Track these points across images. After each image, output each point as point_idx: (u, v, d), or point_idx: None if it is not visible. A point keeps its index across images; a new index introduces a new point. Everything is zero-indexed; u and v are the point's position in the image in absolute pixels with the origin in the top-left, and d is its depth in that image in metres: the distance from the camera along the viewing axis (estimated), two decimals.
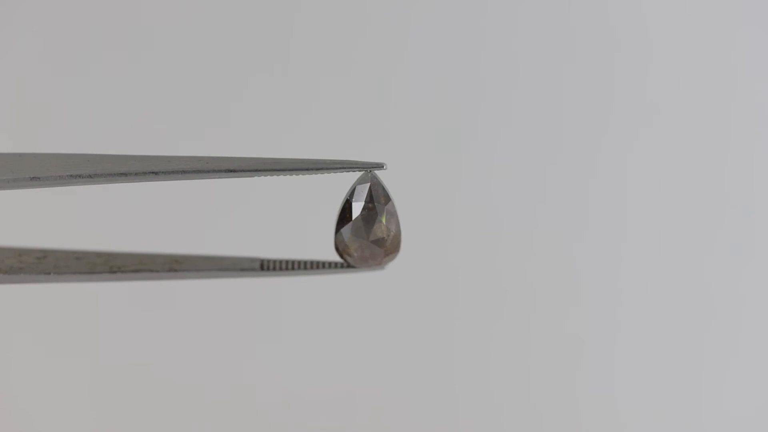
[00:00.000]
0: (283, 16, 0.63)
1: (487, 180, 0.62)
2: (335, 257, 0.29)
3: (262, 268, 0.30)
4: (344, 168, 0.31)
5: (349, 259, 0.27)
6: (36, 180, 0.25)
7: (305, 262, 0.30)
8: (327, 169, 0.31)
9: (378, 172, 0.30)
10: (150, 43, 0.62)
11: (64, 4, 0.61)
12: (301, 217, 0.59)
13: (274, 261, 0.30)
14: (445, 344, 0.62)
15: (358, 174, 0.30)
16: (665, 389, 0.62)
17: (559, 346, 0.62)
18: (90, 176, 0.25)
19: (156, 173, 0.26)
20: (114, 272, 0.29)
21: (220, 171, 0.28)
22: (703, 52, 0.63)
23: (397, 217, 0.28)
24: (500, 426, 0.62)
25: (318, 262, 0.30)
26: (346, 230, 0.27)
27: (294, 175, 0.31)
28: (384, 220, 0.27)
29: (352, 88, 0.62)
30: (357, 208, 0.27)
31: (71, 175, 0.26)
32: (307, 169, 0.31)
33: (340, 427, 0.61)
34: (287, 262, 0.30)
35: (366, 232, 0.27)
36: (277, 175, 0.30)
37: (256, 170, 0.29)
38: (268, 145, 0.60)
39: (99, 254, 0.30)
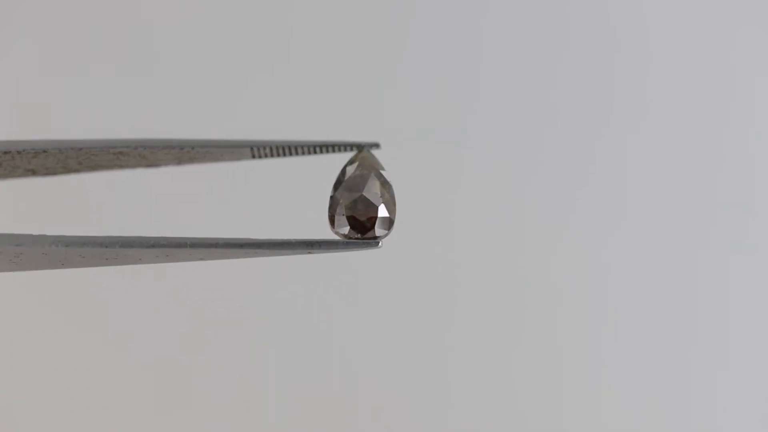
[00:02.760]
0: (280, 7, 0.63)
1: (482, 174, 0.63)
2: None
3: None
4: (340, 147, 0.32)
5: (342, 222, 0.27)
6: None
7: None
8: (324, 146, 0.31)
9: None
10: (149, 44, 0.63)
11: (65, 5, 0.62)
12: (296, 209, 0.59)
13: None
14: (436, 343, 0.62)
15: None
16: (653, 395, 0.62)
17: (550, 345, 0.62)
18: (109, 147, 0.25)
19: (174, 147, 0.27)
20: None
21: (234, 147, 0.29)
22: (701, 52, 0.63)
23: (391, 187, 0.28)
24: (489, 423, 0.62)
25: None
26: (341, 188, 0.27)
27: (292, 156, 0.32)
28: (379, 181, 0.27)
29: (349, 82, 0.63)
30: (352, 169, 0.28)
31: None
32: (305, 147, 0.31)
33: (338, 426, 0.61)
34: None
35: (360, 186, 0.27)
36: (276, 155, 0.31)
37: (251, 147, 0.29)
38: (265, 135, 0.60)
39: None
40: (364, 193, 0.26)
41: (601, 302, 0.62)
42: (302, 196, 0.55)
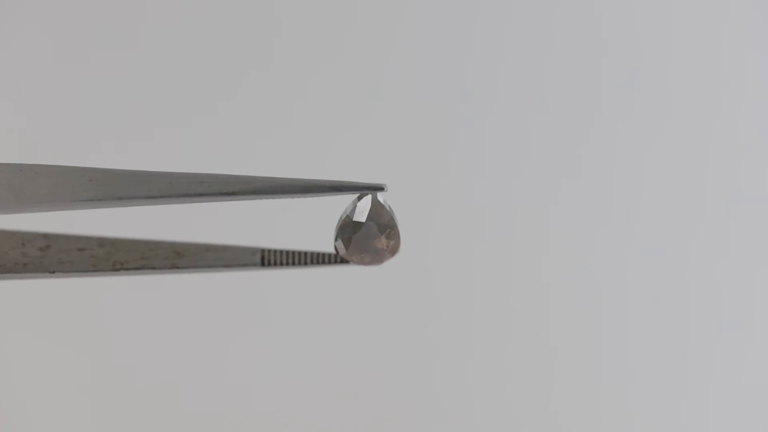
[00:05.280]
0: (281, 25, 0.63)
1: (472, 172, 0.63)
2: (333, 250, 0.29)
3: (262, 262, 0.30)
4: (345, 190, 0.31)
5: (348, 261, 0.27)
6: (38, 204, 0.25)
7: (305, 254, 0.30)
8: (327, 191, 0.31)
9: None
10: (148, 43, 0.63)
11: (60, 4, 0.62)
12: (301, 212, 0.59)
13: (274, 251, 0.30)
14: (429, 345, 0.63)
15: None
16: (647, 395, 0.62)
17: (544, 347, 0.62)
18: (90, 200, 0.25)
19: (155, 198, 0.26)
20: (117, 269, 0.29)
21: (221, 194, 0.28)
22: (690, 54, 0.63)
23: (397, 229, 0.28)
24: (482, 424, 0.62)
25: (317, 255, 0.30)
26: (347, 242, 0.27)
27: (295, 198, 0.31)
28: (384, 236, 0.27)
29: (349, 95, 0.63)
30: (358, 226, 0.27)
31: (73, 201, 0.26)
32: (307, 192, 0.31)
33: (336, 427, 0.61)
34: (287, 253, 0.30)
35: (366, 245, 0.27)
36: (278, 198, 0.31)
37: (256, 192, 0.29)
38: (265, 154, 0.60)
39: (101, 243, 0.30)
40: (371, 251, 0.26)
41: (594, 302, 0.62)
42: (306, 207, 0.55)
